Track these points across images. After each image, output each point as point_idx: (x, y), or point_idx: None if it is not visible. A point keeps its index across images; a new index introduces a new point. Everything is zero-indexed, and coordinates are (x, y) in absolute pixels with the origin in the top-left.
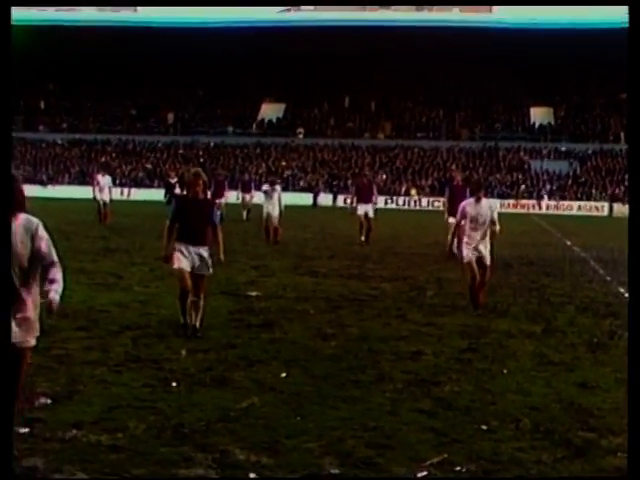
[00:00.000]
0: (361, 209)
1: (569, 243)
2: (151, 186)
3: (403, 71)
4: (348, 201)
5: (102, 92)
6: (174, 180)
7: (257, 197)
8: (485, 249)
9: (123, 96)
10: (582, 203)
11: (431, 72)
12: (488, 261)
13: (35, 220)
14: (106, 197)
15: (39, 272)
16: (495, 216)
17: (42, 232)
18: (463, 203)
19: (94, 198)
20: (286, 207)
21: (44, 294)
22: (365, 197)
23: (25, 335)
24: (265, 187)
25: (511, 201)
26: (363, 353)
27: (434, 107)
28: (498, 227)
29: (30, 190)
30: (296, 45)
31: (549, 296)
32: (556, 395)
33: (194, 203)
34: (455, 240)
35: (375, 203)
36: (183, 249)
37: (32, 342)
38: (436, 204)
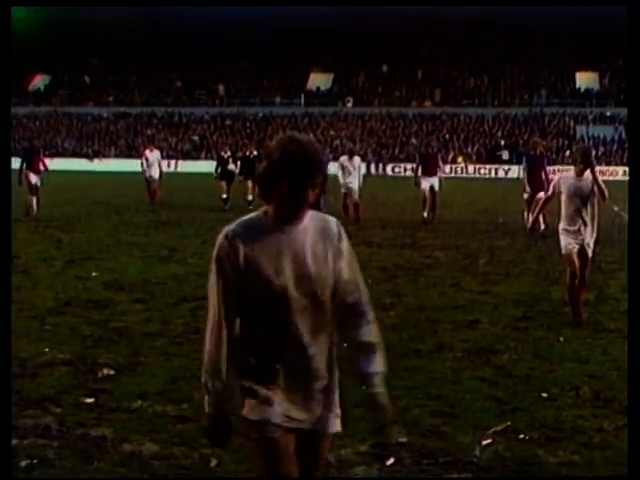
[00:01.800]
0: (425, 182)
1: (616, 209)
2: (198, 158)
3: (448, 39)
4: (397, 170)
5: (147, 65)
6: (227, 155)
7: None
8: (590, 236)
9: (168, 69)
10: (628, 168)
11: (476, 40)
12: (590, 251)
13: (333, 219)
14: (155, 173)
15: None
16: (602, 185)
17: (347, 241)
18: (560, 176)
19: (143, 176)
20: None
21: (357, 371)
22: (431, 169)
23: (323, 417)
24: (343, 158)
25: (557, 167)
26: (422, 323)
27: (479, 74)
28: (607, 192)
29: (77, 164)
30: (343, 15)
31: (599, 263)
32: (613, 362)
33: None
34: (531, 215)
35: (442, 176)
36: None
37: (337, 425)
38: (482, 171)
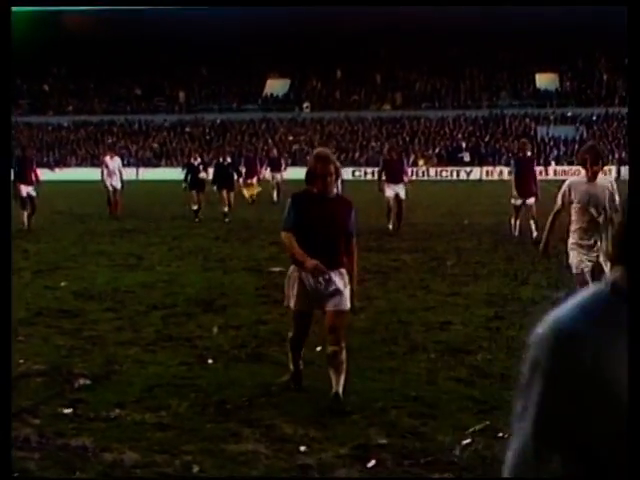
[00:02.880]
0: (390, 190)
1: None
2: (158, 165)
3: (407, 42)
4: (357, 174)
5: (106, 73)
6: (197, 162)
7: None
8: (604, 253)
9: (127, 76)
10: (628, 168)
11: (435, 42)
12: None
13: None
14: (116, 182)
15: None
16: (617, 199)
17: None
18: (569, 182)
19: (103, 185)
20: (293, 182)
21: None
22: (395, 175)
23: None
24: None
25: None
26: (393, 325)
27: (439, 77)
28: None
29: (38, 174)
30: (300, 20)
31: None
32: None
33: (324, 204)
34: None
35: (407, 182)
36: (306, 276)
37: None
38: (444, 174)
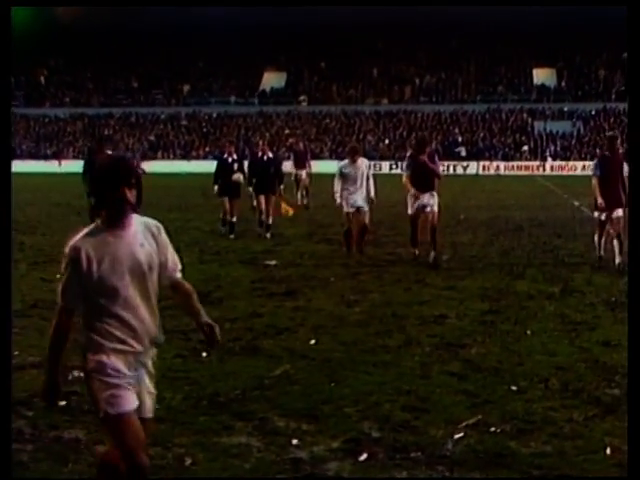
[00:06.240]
0: (417, 202)
1: (577, 204)
2: (154, 158)
3: (404, 37)
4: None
5: (103, 66)
6: (231, 158)
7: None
8: None
9: (124, 69)
10: (586, 163)
11: (432, 37)
12: None
13: None
14: None
15: None
16: None
17: None
18: None
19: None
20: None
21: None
22: (425, 180)
23: None
24: (344, 163)
25: (515, 163)
26: (388, 318)
27: (436, 71)
28: None
29: (35, 166)
30: (297, 14)
31: (563, 257)
32: (581, 354)
33: None
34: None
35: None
36: None
37: None
38: (440, 168)
